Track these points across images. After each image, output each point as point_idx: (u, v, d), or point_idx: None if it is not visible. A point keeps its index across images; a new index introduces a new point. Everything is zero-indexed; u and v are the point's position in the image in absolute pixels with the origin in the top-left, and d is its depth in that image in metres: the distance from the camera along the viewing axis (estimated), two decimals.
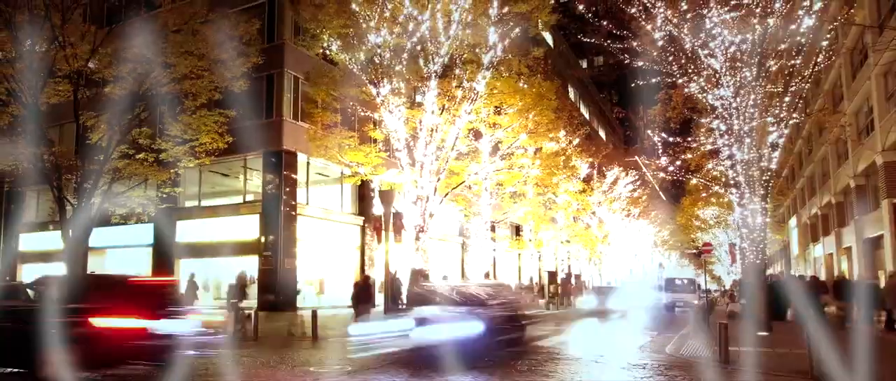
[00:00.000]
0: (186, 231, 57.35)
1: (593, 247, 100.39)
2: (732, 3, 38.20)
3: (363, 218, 60.71)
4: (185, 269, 55.54)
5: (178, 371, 19.23)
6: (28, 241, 67.26)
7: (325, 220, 57.31)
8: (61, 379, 17.91)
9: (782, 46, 38.73)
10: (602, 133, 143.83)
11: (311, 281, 55.85)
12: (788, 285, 46.56)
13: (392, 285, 44.50)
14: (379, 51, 42.96)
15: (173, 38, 39.64)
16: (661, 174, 54.33)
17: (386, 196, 43.09)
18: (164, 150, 42.59)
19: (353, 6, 42.40)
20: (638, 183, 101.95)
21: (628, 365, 24.12)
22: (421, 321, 24.20)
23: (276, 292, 50.95)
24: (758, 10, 37.18)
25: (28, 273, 66.74)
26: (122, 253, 61.19)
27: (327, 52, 46.39)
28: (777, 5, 37.10)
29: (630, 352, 28.94)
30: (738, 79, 38.72)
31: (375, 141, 47.19)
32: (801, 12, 37.08)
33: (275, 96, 53.23)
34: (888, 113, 50.58)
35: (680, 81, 42.44)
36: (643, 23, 41.16)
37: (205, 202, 57.74)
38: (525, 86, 49.84)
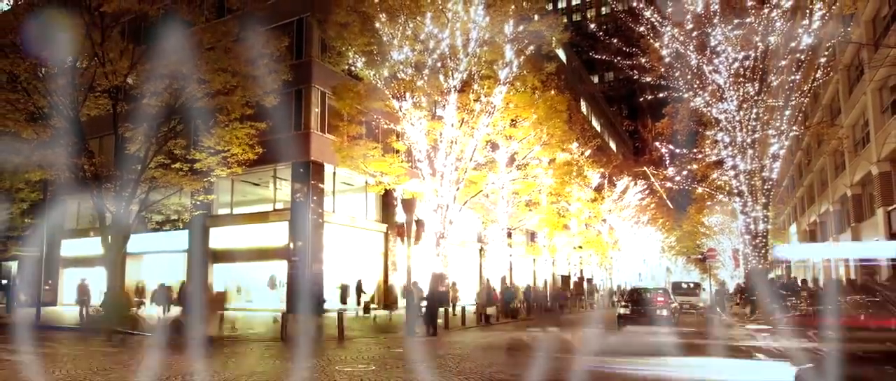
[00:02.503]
0: (219, 237, 57.51)
1: (604, 252, 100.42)
2: (736, 21, 38.34)
3: (386, 225, 60.74)
4: (217, 274, 55.81)
5: None
6: (69, 247, 67.62)
7: (351, 227, 57.38)
8: None
9: (783, 63, 38.83)
10: (612, 145, 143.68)
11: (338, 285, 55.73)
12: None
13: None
14: (401, 67, 43.22)
15: (207, 55, 39.76)
16: (669, 184, 54.36)
17: (408, 204, 43.32)
18: (198, 160, 42.71)
19: (377, 25, 42.62)
20: (646, 192, 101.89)
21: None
22: None
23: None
24: (760, 29, 37.29)
25: (69, 278, 67.02)
26: (158, 258, 61.40)
27: (352, 68, 46.59)
28: (778, 25, 37.22)
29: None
30: (741, 93, 38.86)
31: (398, 152, 47.28)
32: (800, 31, 37.16)
33: (303, 110, 53.28)
34: (883, 126, 50.56)
35: (686, 95, 42.57)
36: (651, 41, 41.33)
37: (236, 210, 57.89)
38: (539, 100, 49.93)
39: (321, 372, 21.54)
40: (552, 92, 52.59)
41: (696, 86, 41.08)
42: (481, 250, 75.33)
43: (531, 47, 46.32)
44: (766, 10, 37.80)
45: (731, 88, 39.13)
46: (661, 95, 45.60)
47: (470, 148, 45.29)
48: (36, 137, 41.00)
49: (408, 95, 43.82)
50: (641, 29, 41.36)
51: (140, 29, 45.44)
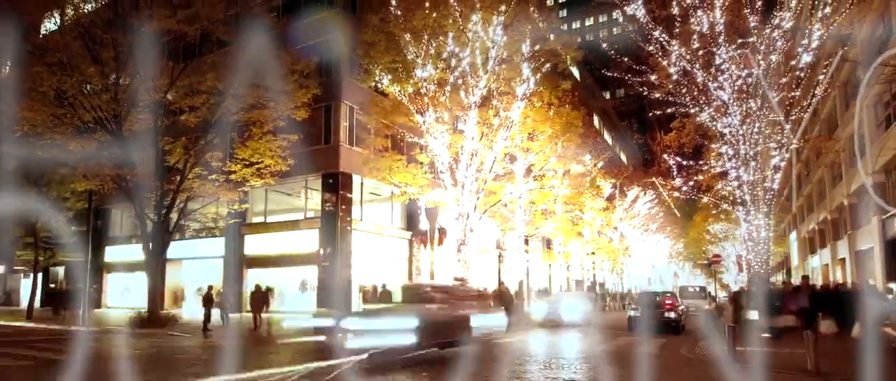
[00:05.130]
0: (253, 244, 57.60)
1: (615, 258, 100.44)
2: (739, 41, 38.38)
3: (411, 232, 60.72)
4: (252, 278, 55.83)
5: None
6: (113, 253, 67.82)
7: (377, 234, 57.38)
8: None
9: (784, 80, 38.84)
10: (623, 157, 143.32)
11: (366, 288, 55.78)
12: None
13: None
14: (424, 84, 43.26)
15: (242, 72, 39.81)
16: (676, 193, 54.34)
17: (431, 213, 43.29)
18: (234, 171, 42.83)
19: (402, 44, 42.74)
20: (655, 201, 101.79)
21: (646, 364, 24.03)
22: None
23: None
24: (762, 48, 37.32)
25: (113, 282, 67.34)
26: (196, 264, 61.61)
27: (379, 84, 46.88)
28: (779, 44, 37.23)
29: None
30: (744, 109, 38.86)
31: (422, 164, 47.28)
32: (800, 50, 37.18)
33: (332, 124, 53.33)
34: (878, 139, 50.51)
35: (692, 110, 42.63)
36: (660, 59, 41.40)
37: (270, 218, 57.98)
38: (555, 115, 49.95)
39: None
40: (567, 107, 52.60)
41: (701, 102, 41.17)
42: (500, 256, 75.31)
43: (547, 65, 46.45)
44: (767, 31, 37.89)
45: (735, 103, 39.20)
46: (669, 110, 45.65)
47: (489, 160, 45.36)
48: (82, 149, 41.21)
49: (431, 110, 43.90)
50: (651, 48, 41.46)
51: (180, 48, 45.65)
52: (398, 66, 44.30)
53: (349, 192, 53.65)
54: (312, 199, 55.47)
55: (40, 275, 60.71)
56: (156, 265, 42.17)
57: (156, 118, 40.97)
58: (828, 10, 36.84)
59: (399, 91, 45.05)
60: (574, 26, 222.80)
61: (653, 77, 43.37)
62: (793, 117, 39.25)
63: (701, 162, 50.33)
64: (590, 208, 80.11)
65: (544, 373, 21.63)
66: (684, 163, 49.11)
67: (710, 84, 39.85)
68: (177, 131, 41.77)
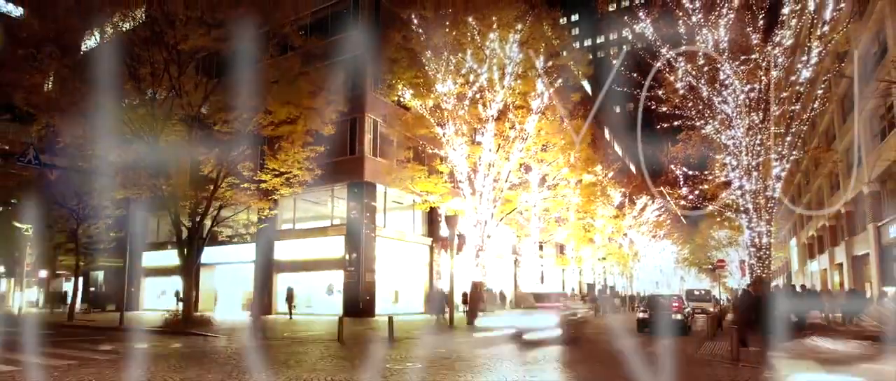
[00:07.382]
0: (283, 250, 57.91)
1: (625, 263, 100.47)
2: (742, 58, 38.49)
3: (431, 239, 60.97)
4: (282, 282, 56.11)
5: None
6: (149, 258, 68.37)
7: (399, 240, 57.62)
8: None
9: (784, 95, 38.92)
10: (632, 167, 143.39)
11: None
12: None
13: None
14: (444, 98, 43.47)
15: (273, 88, 40.08)
16: (683, 202, 54.44)
17: (451, 220, 43.44)
18: (264, 181, 42.99)
19: (423, 60, 42.97)
20: (663, 209, 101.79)
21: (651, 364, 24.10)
22: None
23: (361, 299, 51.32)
24: (764, 65, 37.43)
25: (150, 286, 67.67)
26: (228, 269, 61.93)
27: (401, 98, 46.94)
28: (780, 61, 37.35)
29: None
30: (747, 122, 38.93)
31: (442, 174, 47.44)
32: (799, 66, 37.28)
33: (357, 136, 53.60)
34: (873, 150, 50.58)
35: (698, 123, 42.75)
36: (667, 74, 41.50)
37: (298, 225, 58.19)
38: (567, 127, 50.07)
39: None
40: (579, 120, 52.82)
41: (706, 115, 41.31)
42: (516, 261, 75.38)
43: (560, 80, 46.63)
44: (769, 48, 38.02)
45: (738, 117, 39.31)
46: (675, 123, 45.77)
47: (506, 170, 45.63)
48: (120, 160, 41.48)
49: (450, 122, 44.17)
50: (658, 64, 41.61)
51: (213, 64, 45.89)
52: (419, 81, 44.63)
53: (373, 200, 53.95)
54: (338, 207, 55.74)
55: (81, 279, 61.04)
56: (190, 270, 42.39)
57: (190, 131, 41.22)
58: (826, 28, 36.95)
59: (420, 105, 45.34)
60: (586, 44, 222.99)
61: (660, 92, 43.57)
62: (793, 130, 39.37)
63: (706, 172, 50.49)
64: (601, 215, 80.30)
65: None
66: (690, 173, 49.24)
67: (714, 98, 40.02)
68: (210, 143, 41.91)
